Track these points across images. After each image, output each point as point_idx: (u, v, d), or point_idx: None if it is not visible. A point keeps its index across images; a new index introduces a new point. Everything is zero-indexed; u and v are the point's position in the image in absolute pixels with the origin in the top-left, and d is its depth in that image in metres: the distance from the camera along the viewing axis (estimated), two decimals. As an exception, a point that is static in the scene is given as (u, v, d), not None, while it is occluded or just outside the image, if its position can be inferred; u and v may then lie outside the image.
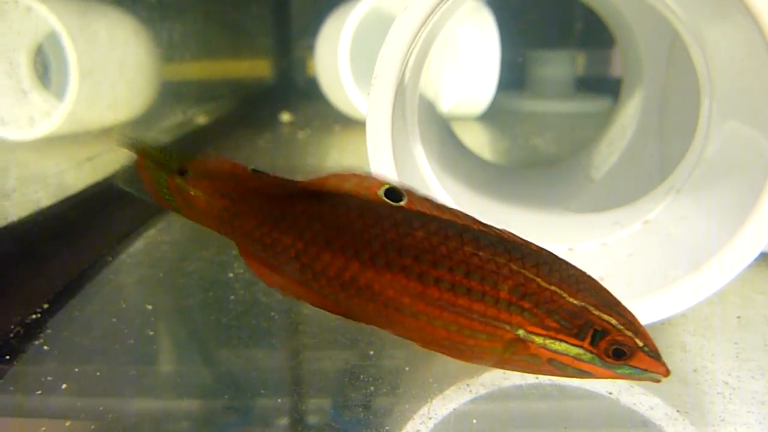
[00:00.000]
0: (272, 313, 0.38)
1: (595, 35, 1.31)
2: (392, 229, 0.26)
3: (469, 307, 0.24)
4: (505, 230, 0.26)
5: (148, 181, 0.29)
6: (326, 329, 0.37)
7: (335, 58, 1.01)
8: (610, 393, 0.30)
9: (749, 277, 0.27)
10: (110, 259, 0.47)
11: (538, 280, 0.24)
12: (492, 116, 1.12)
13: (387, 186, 0.26)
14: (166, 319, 0.38)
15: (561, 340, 0.24)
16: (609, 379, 0.26)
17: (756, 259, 0.32)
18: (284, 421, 0.29)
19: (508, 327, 0.24)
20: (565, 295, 0.24)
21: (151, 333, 0.36)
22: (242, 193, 0.28)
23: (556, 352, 0.24)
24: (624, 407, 0.29)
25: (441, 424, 0.28)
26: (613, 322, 0.24)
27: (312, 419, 0.30)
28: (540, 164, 0.74)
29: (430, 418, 0.29)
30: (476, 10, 1.07)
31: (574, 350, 0.24)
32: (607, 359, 0.24)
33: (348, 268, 0.26)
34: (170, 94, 0.79)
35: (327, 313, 0.39)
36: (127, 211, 0.54)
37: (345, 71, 1.02)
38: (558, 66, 1.27)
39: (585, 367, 0.25)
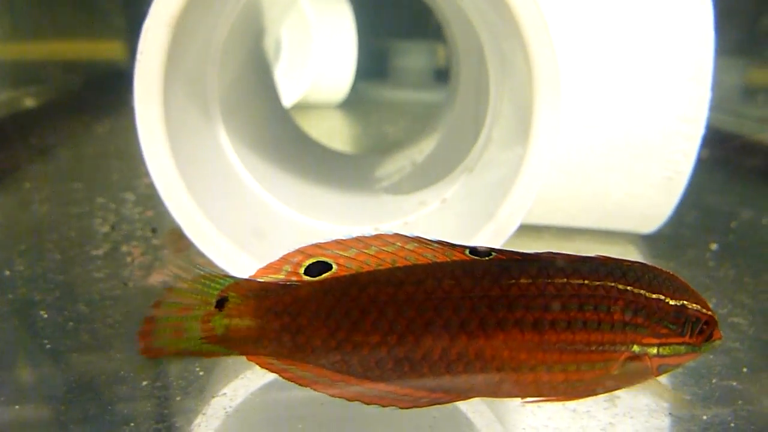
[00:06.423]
0: (41, 312, 0.34)
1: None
2: (494, 285, 0.24)
3: (587, 340, 0.24)
4: (599, 255, 0.26)
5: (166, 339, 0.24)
6: (106, 325, 0.35)
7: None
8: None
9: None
10: None
11: (643, 292, 0.24)
12: (352, 104, 1.13)
13: (470, 247, 0.25)
14: None
15: (672, 343, 0.25)
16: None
17: (515, 231, 0.35)
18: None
19: (624, 347, 0.24)
20: (667, 299, 0.25)
21: None
22: (301, 304, 0.24)
23: (666, 356, 0.25)
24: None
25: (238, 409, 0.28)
26: (701, 308, 0.25)
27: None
28: (382, 150, 0.76)
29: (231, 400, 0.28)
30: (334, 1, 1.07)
31: (682, 348, 0.25)
32: (700, 343, 0.25)
33: (455, 345, 0.24)
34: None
35: (105, 312, 0.37)
36: None
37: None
38: (417, 57, 1.31)
39: (686, 359, 0.25)
